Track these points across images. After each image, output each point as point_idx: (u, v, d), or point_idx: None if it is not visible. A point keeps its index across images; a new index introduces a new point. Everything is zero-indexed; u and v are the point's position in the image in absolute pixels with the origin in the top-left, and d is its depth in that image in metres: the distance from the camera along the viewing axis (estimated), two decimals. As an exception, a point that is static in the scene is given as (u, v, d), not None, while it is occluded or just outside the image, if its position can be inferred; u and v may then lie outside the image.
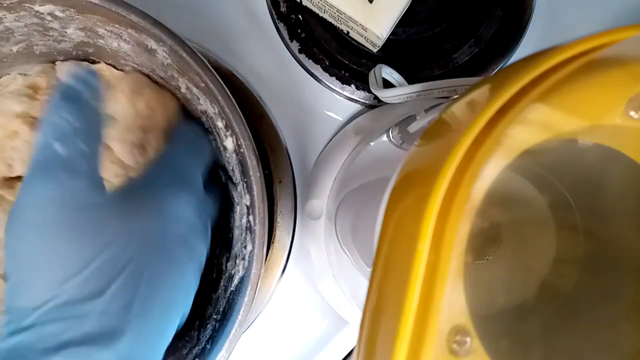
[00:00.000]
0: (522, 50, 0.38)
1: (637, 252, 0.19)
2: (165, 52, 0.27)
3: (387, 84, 0.34)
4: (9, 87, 0.30)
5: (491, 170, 0.15)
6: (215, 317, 0.28)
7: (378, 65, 0.34)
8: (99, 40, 0.29)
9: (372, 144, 0.33)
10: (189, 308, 0.25)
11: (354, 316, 0.36)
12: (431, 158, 0.16)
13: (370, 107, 0.38)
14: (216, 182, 0.30)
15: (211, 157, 0.29)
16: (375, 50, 0.37)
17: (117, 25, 0.27)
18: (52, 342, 0.19)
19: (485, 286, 0.21)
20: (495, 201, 0.16)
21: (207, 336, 0.27)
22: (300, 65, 0.38)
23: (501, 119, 0.15)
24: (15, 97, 0.29)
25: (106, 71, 0.30)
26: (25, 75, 0.31)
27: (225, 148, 0.28)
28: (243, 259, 0.27)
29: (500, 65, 0.38)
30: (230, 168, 0.29)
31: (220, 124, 0.27)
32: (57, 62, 0.31)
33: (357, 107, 0.39)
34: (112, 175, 0.28)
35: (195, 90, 0.28)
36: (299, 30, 0.38)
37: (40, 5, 0.26)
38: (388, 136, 0.31)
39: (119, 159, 0.29)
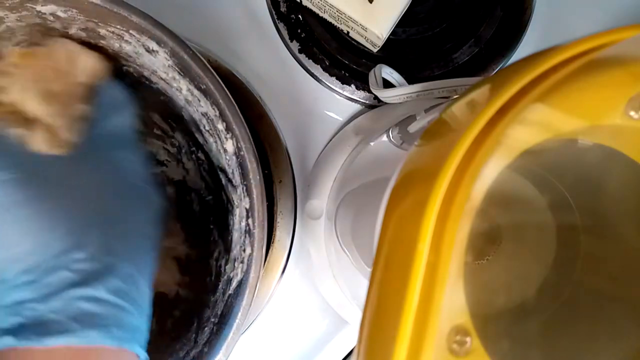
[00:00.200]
0: (522, 50, 0.38)
1: (638, 252, 0.19)
2: (167, 54, 0.27)
3: (387, 84, 0.34)
4: None
5: (491, 170, 0.15)
6: (213, 320, 0.28)
7: (378, 65, 0.34)
8: (101, 41, 0.29)
9: (372, 144, 0.33)
10: (157, 257, 0.26)
11: (354, 316, 0.36)
12: (431, 158, 0.16)
13: (370, 107, 0.38)
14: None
15: (138, 111, 0.30)
16: (375, 50, 0.37)
17: (118, 26, 0.27)
18: (49, 290, 0.21)
19: (485, 286, 0.21)
20: (495, 201, 0.16)
21: (205, 339, 0.27)
22: (300, 65, 0.38)
23: (501, 119, 0.15)
24: None
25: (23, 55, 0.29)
26: None
27: (225, 150, 0.28)
28: (242, 262, 0.27)
29: (500, 65, 0.38)
30: (231, 170, 0.29)
31: (220, 126, 0.27)
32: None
33: (357, 107, 0.39)
34: (54, 146, 0.28)
35: (196, 92, 0.28)
36: (299, 30, 0.38)
37: (42, 6, 0.26)
38: (388, 136, 0.31)
39: (55, 128, 0.28)
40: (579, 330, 0.20)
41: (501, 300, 0.21)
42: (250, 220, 0.27)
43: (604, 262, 0.20)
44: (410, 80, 0.34)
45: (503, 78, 0.16)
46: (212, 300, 0.29)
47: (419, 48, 0.38)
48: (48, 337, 0.20)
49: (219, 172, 0.30)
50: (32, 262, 0.22)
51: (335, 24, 0.37)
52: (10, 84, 0.27)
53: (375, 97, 0.37)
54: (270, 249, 0.37)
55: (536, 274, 0.22)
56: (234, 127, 0.26)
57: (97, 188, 0.25)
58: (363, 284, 0.33)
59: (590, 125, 0.16)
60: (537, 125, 0.15)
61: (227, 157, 0.28)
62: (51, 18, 0.27)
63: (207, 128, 0.29)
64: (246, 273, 0.26)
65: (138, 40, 0.27)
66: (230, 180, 0.29)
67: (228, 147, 0.27)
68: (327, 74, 0.37)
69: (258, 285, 0.26)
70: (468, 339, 0.15)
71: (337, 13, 0.35)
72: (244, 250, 0.27)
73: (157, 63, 0.28)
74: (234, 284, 0.27)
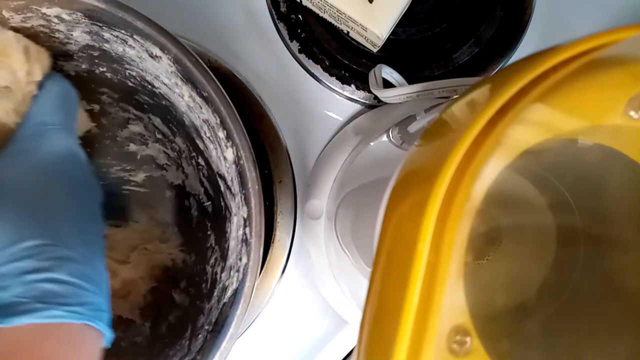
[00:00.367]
0: (522, 50, 0.38)
1: (637, 252, 0.19)
2: (170, 60, 0.27)
3: (387, 84, 0.34)
4: None
5: (491, 170, 0.15)
6: (207, 327, 0.28)
7: (378, 65, 0.34)
8: (105, 44, 0.29)
9: (372, 144, 0.33)
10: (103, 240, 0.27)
11: (354, 316, 0.36)
12: (431, 158, 0.16)
13: (370, 107, 0.38)
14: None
15: (77, 102, 0.30)
16: (375, 50, 0.37)
17: (123, 31, 0.27)
18: (6, 280, 0.22)
19: (485, 286, 0.21)
20: (495, 201, 0.16)
21: (198, 347, 0.27)
22: (300, 65, 0.38)
23: (501, 119, 0.15)
24: None
25: None
26: None
27: (225, 158, 0.28)
28: (237, 271, 0.27)
29: (500, 65, 0.38)
30: (230, 178, 0.29)
31: (221, 134, 0.27)
32: None
33: (357, 107, 0.39)
34: None
35: (198, 99, 0.28)
36: (299, 30, 0.38)
37: (47, 8, 0.26)
38: (388, 136, 0.31)
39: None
40: (579, 330, 0.20)
41: (501, 300, 0.21)
42: (247, 230, 0.27)
43: (604, 262, 0.20)
44: (410, 80, 0.34)
45: (503, 78, 0.16)
46: (207, 308, 0.29)
47: (419, 48, 0.38)
48: (13, 317, 0.21)
49: (219, 179, 0.30)
50: None
51: (335, 24, 0.37)
52: None
53: (375, 97, 0.37)
54: (270, 249, 0.37)
55: (536, 274, 0.22)
56: (234, 135, 0.26)
57: (34, 179, 0.25)
58: (363, 284, 0.33)
59: (590, 125, 0.16)
60: (537, 125, 0.15)
61: (227, 165, 0.28)
62: (56, 20, 0.27)
63: (207, 135, 0.29)
64: (241, 282, 0.26)
65: (142, 46, 0.27)
66: (229, 188, 0.29)
67: (228, 155, 0.27)
68: (327, 74, 0.37)
69: (253, 294, 0.26)
70: (468, 339, 0.15)
71: (337, 13, 0.35)
72: (240, 259, 0.27)
73: (160, 69, 0.28)
74: (229, 292, 0.27)
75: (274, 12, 0.38)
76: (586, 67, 0.15)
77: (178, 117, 0.32)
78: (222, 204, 0.31)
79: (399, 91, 0.32)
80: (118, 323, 0.34)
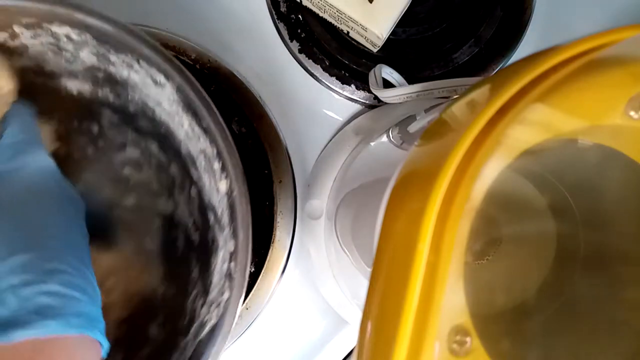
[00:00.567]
0: (522, 50, 0.38)
1: (637, 252, 0.19)
2: (173, 88, 0.27)
3: (387, 84, 0.34)
4: None
5: (491, 170, 0.15)
6: None
7: (378, 65, 0.34)
8: (110, 67, 0.29)
9: (372, 144, 0.33)
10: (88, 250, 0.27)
11: (354, 316, 0.36)
12: (431, 158, 0.16)
13: (370, 107, 0.38)
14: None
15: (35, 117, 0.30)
16: (375, 50, 0.37)
17: (129, 55, 0.27)
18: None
19: (485, 286, 0.21)
20: (496, 201, 0.16)
21: None
22: (300, 65, 0.38)
23: (501, 119, 0.15)
24: None
25: None
26: None
27: (218, 190, 0.28)
28: (218, 305, 0.27)
29: (500, 65, 0.38)
30: (220, 211, 0.28)
31: (217, 165, 0.27)
32: None
33: (357, 107, 0.39)
34: None
35: (197, 129, 0.28)
36: (299, 30, 0.38)
37: (57, 27, 0.27)
38: (388, 136, 0.31)
39: None
40: (579, 330, 0.20)
41: (501, 300, 0.21)
42: (232, 264, 0.26)
43: (603, 262, 0.20)
44: (410, 80, 0.34)
45: (503, 78, 0.16)
46: (183, 343, 0.28)
47: (419, 48, 0.38)
48: (11, 332, 0.21)
49: (209, 211, 0.30)
50: None
51: (335, 24, 0.37)
52: None
53: (375, 97, 0.37)
54: (270, 249, 0.36)
55: (536, 274, 0.22)
56: (229, 168, 0.26)
57: (19, 197, 0.26)
58: (363, 284, 0.33)
59: (590, 125, 0.16)
60: (537, 125, 0.15)
61: (219, 197, 0.28)
62: (64, 39, 0.28)
63: (203, 165, 0.29)
64: (221, 318, 0.26)
65: (147, 72, 0.28)
66: (218, 221, 0.29)
67: (221, 186, 0.27)
68: (327, 74, 0.37)
69: (232, 330, 0.26)
70: (468, 339, 0.15)
71: (337, 13, 0.35)
72: (222, 294, 0.27)
73: (163, 96, 0.28)
74: (207, 328, 0.27)
75: (274, 12, 0.38)
76: (586, 67, 0.15)
77: (175, 145, 0.31)
78: (210, 237, 0.30)
79: (399, 91, 0.32)
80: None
